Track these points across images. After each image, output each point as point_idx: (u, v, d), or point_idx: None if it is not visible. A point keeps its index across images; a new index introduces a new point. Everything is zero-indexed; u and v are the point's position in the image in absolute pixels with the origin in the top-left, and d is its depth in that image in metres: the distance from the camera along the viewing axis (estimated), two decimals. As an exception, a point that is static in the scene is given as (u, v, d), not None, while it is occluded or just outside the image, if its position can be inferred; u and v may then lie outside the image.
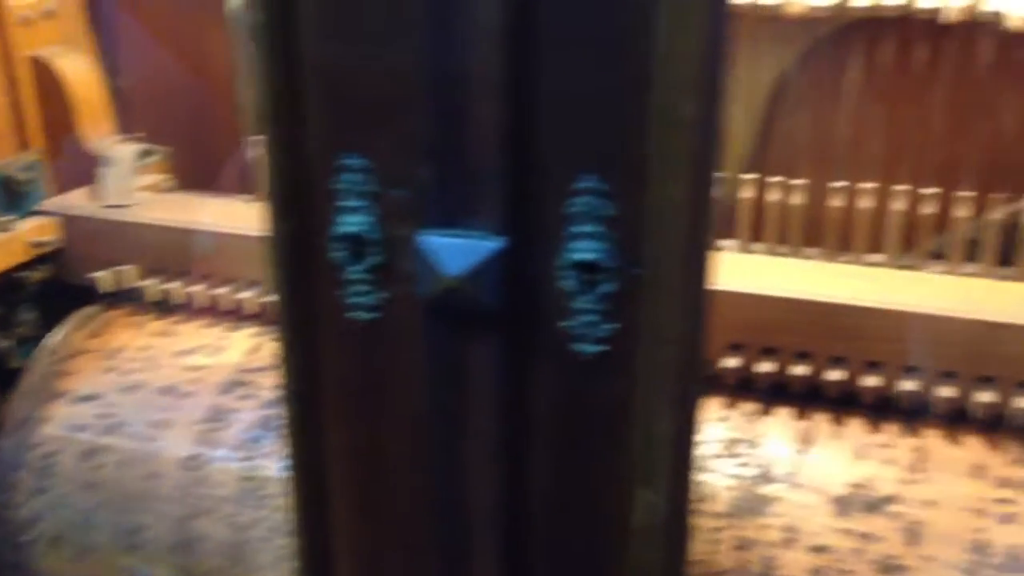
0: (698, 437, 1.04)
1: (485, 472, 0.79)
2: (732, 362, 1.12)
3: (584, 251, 0.71)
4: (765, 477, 1.01)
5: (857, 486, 1.00)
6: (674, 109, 0.65)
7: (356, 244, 0.75)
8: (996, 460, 1.00)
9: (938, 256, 1.25)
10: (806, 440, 1.03)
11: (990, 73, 1.19)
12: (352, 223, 0.75)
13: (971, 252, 1.23)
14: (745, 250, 1.30)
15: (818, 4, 1.21)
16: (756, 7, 1.24)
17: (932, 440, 1.04)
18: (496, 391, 0.77)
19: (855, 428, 1.06)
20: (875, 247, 1.26)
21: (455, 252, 0.72)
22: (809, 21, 1.24)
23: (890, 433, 1.05)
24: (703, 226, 0.70)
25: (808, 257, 1.29)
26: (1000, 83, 1.19)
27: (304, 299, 0.79)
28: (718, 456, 1.03)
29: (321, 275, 0.78)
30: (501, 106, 0.68)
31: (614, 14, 0.65)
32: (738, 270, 1.19)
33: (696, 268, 0.72)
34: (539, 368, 0.76)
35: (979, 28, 1.17)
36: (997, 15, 1.15)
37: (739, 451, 1.03)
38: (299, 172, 0.75)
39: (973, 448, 1.02)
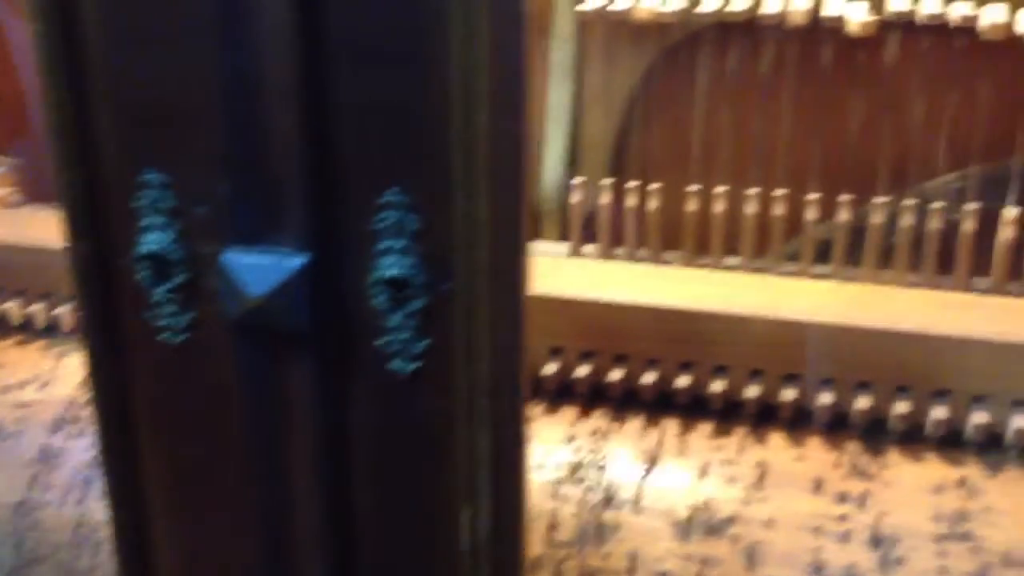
0: (543, 456, 1.04)
1: (308, 495, 0.77)
2: (583, 370, 1.12)
3: (392, 267, 0.68)
4: (610, 502, 1.00)
5: (699, 508, 1.00)
6: (473, 120, 0.64)
7: (160, 264, 0.72)
8: (836, 473, 1.01)
9: (792, 258, 1.27)
10: (652, 458, 1.03)
11: (834, 76, 1.21)
12: (154, 242, 0.71)
13: (823, 254, 1.26)
14: (607, 255, 1.30)
15: (665, 10, 1.21)
16: (604, 13, 1.23)
17: (775, 452, 1.04)
18: (313, 412, 0.74)
19: (701, 441, 1.06)
20: (731, 250, 1.27)
21: (258, 271, 0.69)
22: (660, 27, 1.24)
23: (734, 446, 1.05)
24: (514, 238, 0.69)
25: (667, 261, 1.30)
26: (844, 86, 1.21)
27: (110, 322, 0.75)
28: (562, 481, 1.02)
29: (127, 296, 0.74)
30: (298, 116, 0.66)
31: (408, 20, 0.63)
32: (592, 277, 1.18)
33: (508, 280, 0.70)
34: (357, 388, 0.73)
35: (823, 32, 1.19)
36: (839, 19, 1.17)
37: (585, 475, 1.02)
38: (95, 189, 0.71)
39: (815, 458, 1.03)
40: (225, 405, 0.76)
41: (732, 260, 1.28)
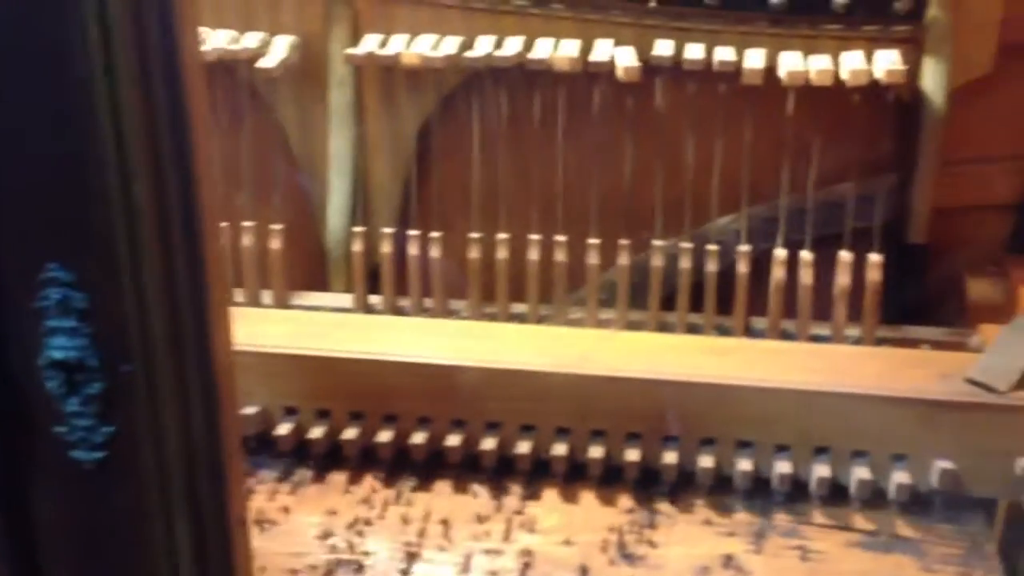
0: (294, 558, 0.97)
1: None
2: (351, 433, 1.07)
3: (62, 348, 0.62)
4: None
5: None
6: (131, 191, 0.58)
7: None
8: (603, 559, 0.97)
9: (580, 303, 1.25)
10: (412, 555, 0.98)
11: (608, 122, 1.20)
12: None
13: (608, 298, 1.25)
14: (392, 307, 1.26)
15: (436, 55, 1.18)
16: (376, 58, 1.20)
17: (544, 530, 1.01)
18: (-3, 507, 0.67)
19: (466, 525, 1.02)
20: (519, 296, 1.25)
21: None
22: (437, 73, 1.21)
23: (500, 531, 1.01)
24: (200, 309, 0.64)
25: (454, 311, 1.27)
26: (618, 131, 1.20)
27: None
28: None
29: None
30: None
31: (53, 92, 0.57)
32: (363, 332, 1.14)
33: (198, 356, 0.65)
34: (41, 478, 0.66)
35: (593, 78, 1.18)
36: (608, 64, 1.16)
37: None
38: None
39: (582, 543, 1.00)
40: None
41: (519, 307, 1.25)
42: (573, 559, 0.97)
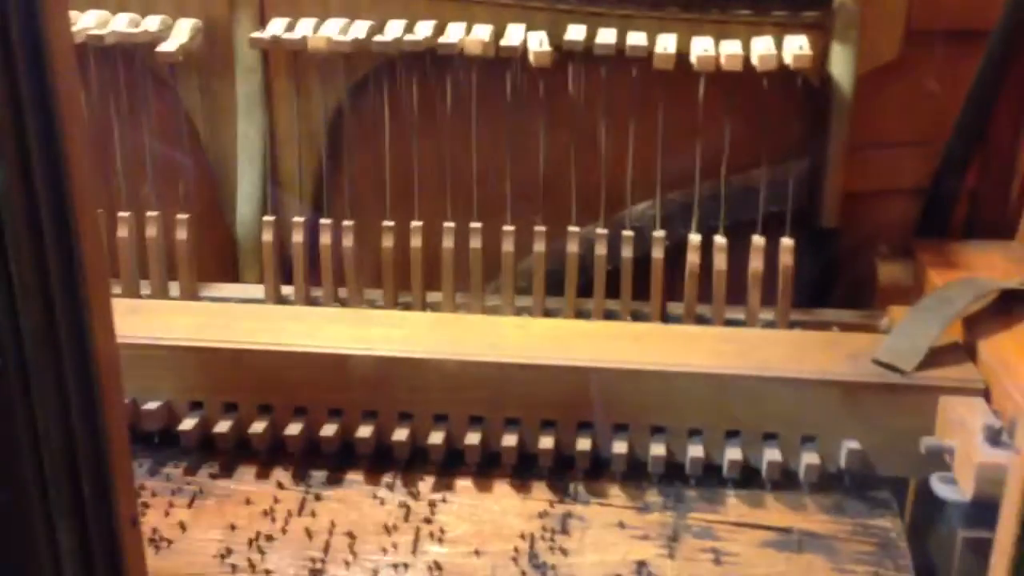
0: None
1: None
2: (259, 426, 1.04)
3: (-74, 344, 0.59)
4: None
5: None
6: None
7: None
8: (514, 570, 0.95)
9: (498, 291, 1.24)
10: (316, 572, 0.94)
11: (522, 108, 1.19)
12: None
13: (527, 285, 1.24)
14: (305, 296, 1.23)
15: (344, 39, 1.15)
16: (281, 41, 1.17)
17: (453, 539, 0.98)
18: None
19: (372, 536, 0.98)
20: (435, 285, 1.23)
21: None
22: (348, 59, 1.19)
23: (408, 542, 0.97)
24: (76, 301, 0.61)
25: (370, 300, 1.25)
26: (530, 117, 1.19)
27: None
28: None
29: None
30: None
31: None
32: (273, 323, 1.11)
33: (76, 350, 0.62)
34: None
35: (505, 63, 1.17)
36: (520, 49, 1.15)
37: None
38: None
39: (492, 551, 0.97)
40: None
41: (435, 296, 1.24)
42: (483, 571, 0.95)
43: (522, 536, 0.98)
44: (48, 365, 0.61)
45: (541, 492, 1.03)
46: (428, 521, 0.99)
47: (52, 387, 0.61)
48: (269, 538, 0.98)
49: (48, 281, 0.59)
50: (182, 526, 0.99)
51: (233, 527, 0.99)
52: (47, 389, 0.61)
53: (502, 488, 1.03)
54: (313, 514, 1.00)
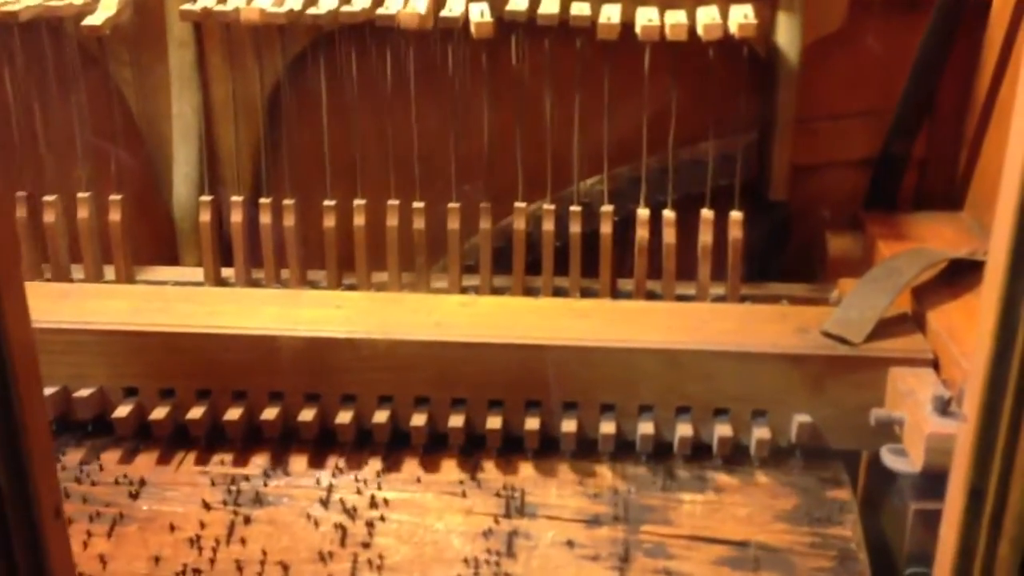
0: None
1: None
2: (198, 412, 1.01)
3: None
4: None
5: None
6: None
7: None
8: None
9: (445, 271, 1.21)
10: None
11: (463, 81, 1.16)
12: None
13: (472, 263, 1.21)
14: (246, 278, 1.20)
15: (278, 11, 1.11)
16: (213, 13, 1.13)
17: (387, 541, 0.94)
18: None
19: (306, 566, 0.92)
20: (379, 265, 1.20)
21: None
22: (284, 32, 1.15)
23: (347, 559, 0.92)
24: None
25: (314, 281, 1.21)
26: (473, 90, 1.16)
27: None
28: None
29: None
30: None
31: None
32: (210, 306, 1.07)
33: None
34: None
35: (446, 35, 1.13)
36: (461, 19, 1.11)
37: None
38: None
39: (440, 540, 0.93)
40: None
41: (380, 276, 1.21)
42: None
43: (465, 561, 0.92)
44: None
45: (486, 503, 0.97)
46: (366, 546, 0.93)
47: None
48: (197, 572, 0.91)
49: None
50: (102, 559, 0.92)
51: (157, 560, 0.92)
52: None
53: (444, 501, 0.98)
54: (243, 541, 0.94)
